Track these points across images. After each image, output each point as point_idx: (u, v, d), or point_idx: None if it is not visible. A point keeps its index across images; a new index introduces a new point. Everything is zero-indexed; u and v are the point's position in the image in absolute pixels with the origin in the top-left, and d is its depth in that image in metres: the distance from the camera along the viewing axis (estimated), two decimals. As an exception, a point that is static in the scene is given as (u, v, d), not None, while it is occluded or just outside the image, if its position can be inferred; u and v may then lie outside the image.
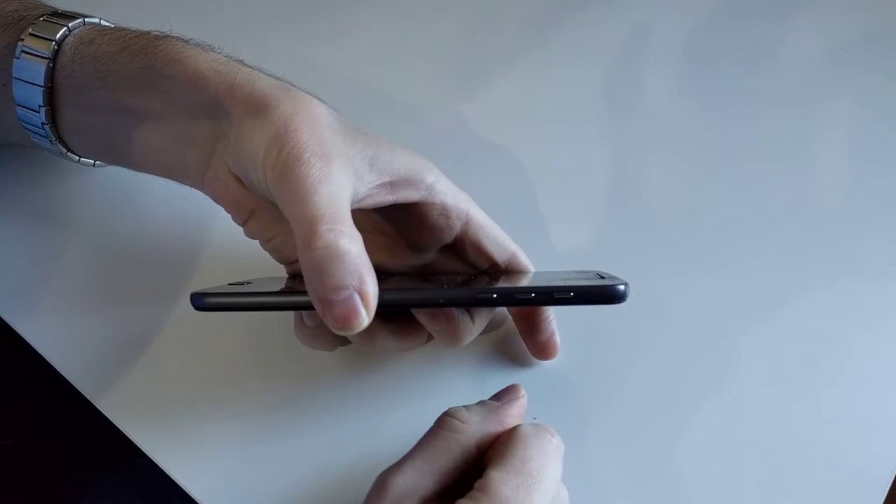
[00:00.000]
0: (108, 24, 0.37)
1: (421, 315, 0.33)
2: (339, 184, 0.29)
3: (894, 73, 0.50)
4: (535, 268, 0.36)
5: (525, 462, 0.28)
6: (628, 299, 0.29)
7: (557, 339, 0.36)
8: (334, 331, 0.27)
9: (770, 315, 0.39)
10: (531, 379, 0.36)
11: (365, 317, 0.26)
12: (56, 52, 0.35)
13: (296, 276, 0.35)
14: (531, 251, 0.36)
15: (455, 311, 0.32)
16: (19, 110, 0.36)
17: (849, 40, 0.52)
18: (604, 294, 0.29)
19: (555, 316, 0.36)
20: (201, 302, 0.30)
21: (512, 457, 0.28)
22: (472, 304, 0.30)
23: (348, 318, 0.26)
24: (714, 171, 0.45)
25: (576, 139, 0.46)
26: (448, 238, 0.34)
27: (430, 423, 0.30)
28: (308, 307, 0.28)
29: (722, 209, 0.43)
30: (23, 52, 0.35)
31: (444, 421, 0.30)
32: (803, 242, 0.42)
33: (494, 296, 0.29)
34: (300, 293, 0.28)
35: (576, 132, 0.47)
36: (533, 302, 0.29)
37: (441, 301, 0.30)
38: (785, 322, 0.38)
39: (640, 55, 0.51)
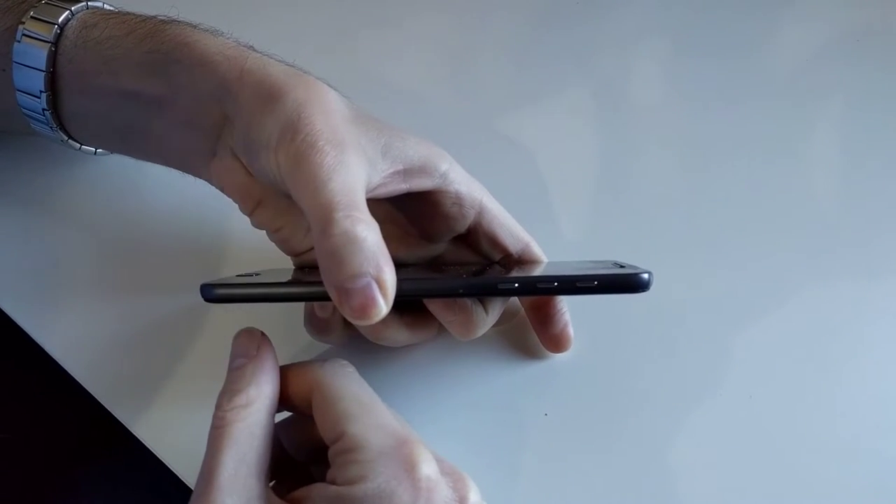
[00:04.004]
0: (112, 8, 0.36)
1: (434, 306, 0.32)
2: (353, 172, 0.28)
3: (890, 68, 0.49)
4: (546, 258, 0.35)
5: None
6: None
7: (570, 331, 0.36)
8: (351, 321, 0.26)
9: (781, 311, 0.38)
10: (544, 371, 0.36)
11: (383, 306, 0.26)
12: (58, 36, 0.34)
13: (304, 268, 0.34)
14: (539, 242, 0.35)
15: (468, 301, 0.32)
16: (19, 96, 0.35)
17: (843, 35, 0.52)
18: (628, 283, 0.28)
19: (567, 308, 0.36)
20: (212, 293, 0.29)
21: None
22: (493, 293, 0.29)
23: (366, 307, 0.26)
24: (719, 166, 0.44)
25: (582, 133, 0.46)
26: (461, 227, 0.34)
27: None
28: (321, 297, 0.27)
29: (732, 204, 0.43)
30: (24, 35, 0.34)
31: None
32: (813, 238, 0.41)
33: (516, 285, 0.29)
34: (313, 283, 0.28)
35: (583, 125, 0.46)
36: (555, 291, 0.28)
37: (461, 291, 0.29)
38: (795, 318, 0.38)
39: (646, 50, 0.51)
